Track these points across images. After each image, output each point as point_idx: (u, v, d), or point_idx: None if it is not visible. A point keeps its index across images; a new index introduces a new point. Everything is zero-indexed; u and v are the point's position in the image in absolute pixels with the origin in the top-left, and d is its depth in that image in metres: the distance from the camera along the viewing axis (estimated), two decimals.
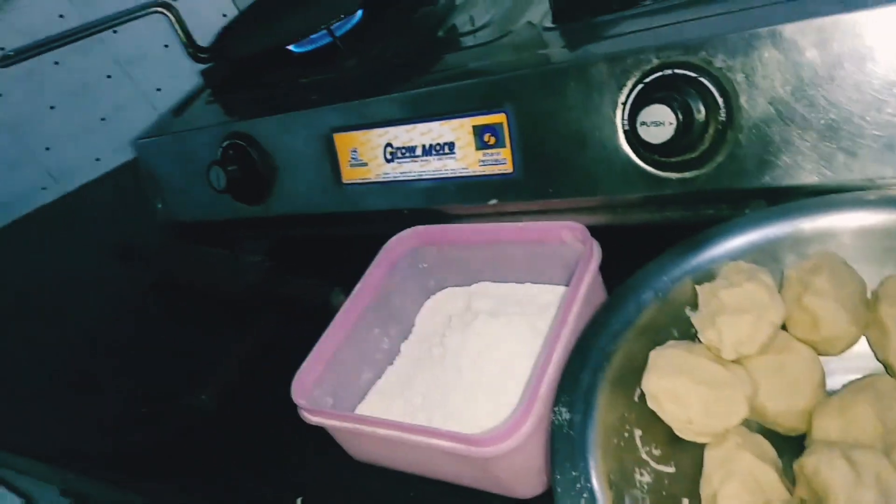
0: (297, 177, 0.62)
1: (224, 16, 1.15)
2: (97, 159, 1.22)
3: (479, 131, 0.50)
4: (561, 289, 0.50)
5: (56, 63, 1.13)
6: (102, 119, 1.19)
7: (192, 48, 0.70)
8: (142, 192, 0.74)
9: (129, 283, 0.77)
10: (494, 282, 0.54)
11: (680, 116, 0.40)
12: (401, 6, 0.67)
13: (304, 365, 0.46)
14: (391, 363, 0.53)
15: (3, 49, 0.69)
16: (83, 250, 1.01)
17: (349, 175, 0.58)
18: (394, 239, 0.54)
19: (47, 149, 1.19)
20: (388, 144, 0.55)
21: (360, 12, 0.65)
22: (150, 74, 1.17)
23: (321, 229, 0.64)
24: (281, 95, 0.65)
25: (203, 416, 0.56)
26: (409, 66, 0.58)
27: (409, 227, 0.55)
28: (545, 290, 0.51)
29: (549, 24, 0.52)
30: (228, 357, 0.59)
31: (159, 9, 0.67)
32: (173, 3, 0.69)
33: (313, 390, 0.46)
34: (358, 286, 0.51)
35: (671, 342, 0.38)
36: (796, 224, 0.39)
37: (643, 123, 0.41)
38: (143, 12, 0.67)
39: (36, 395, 0.69)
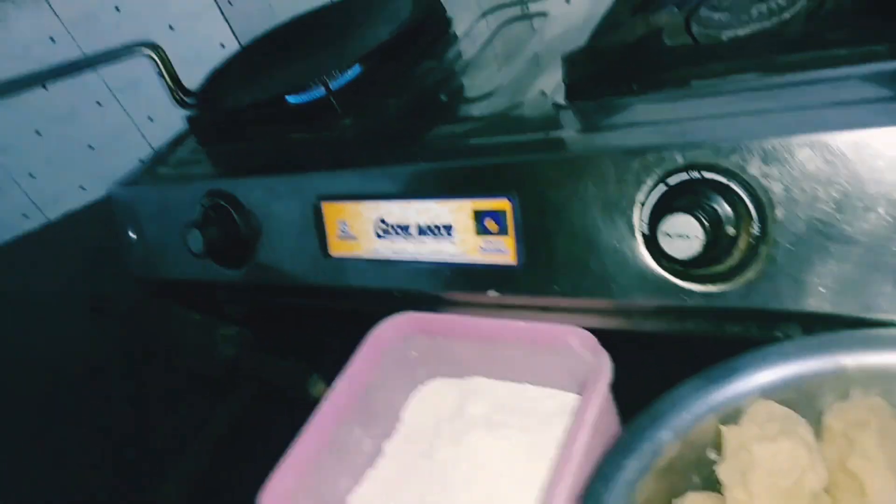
0: (281, 244, 0.57)
1: (222, 46, 1.11)
2: (82, 188, 1.17)
3: (480, 216, 0.45)
4: (563, 395, 0.45)
5: (44, 87, 1.09)
6: (90, 147, 1.14)
7: (179, 93, 0.66)
8: (114, 240, 0.69)
9: (97, 342, 0.72)
10: (490, 377, 0.49)
11: (708, 230, 0.35)
12: (402, 60, 0.62)
13: (276, 474, 0.41)
14: (372, 466, 0.48)
15: None
16: (57, 290, 0.97)
17: (337, 248, 0.53)
18: (382, 325, 0.49)
19: (31, 175, 1.15)
20: (381, 220, 0.50)
21: (357, 66, 0.60)
22: (142, 103, 1.12)
23: (304, 301, 0.59)
24: (269, 152, 0.61)
25: None
26: (408, 133, 0.53)
27: (400, 309, 0.50)
28: (546, 394, 0.46)
29: (561, 99, 0.48)
30: (196, 443, 0.54)
31: (146, 50, 0.62)
32: (159, 45, 0.64)
33: (285, 502, 0.41)
34: (340, 381, 0.46)
35: (692, 494, 0.33)
36: (838, 360, 0.34)
37: (666, 234, 0.36)
38: (130, 53, 0.62)
39: None
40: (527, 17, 0.65)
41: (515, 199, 0.43)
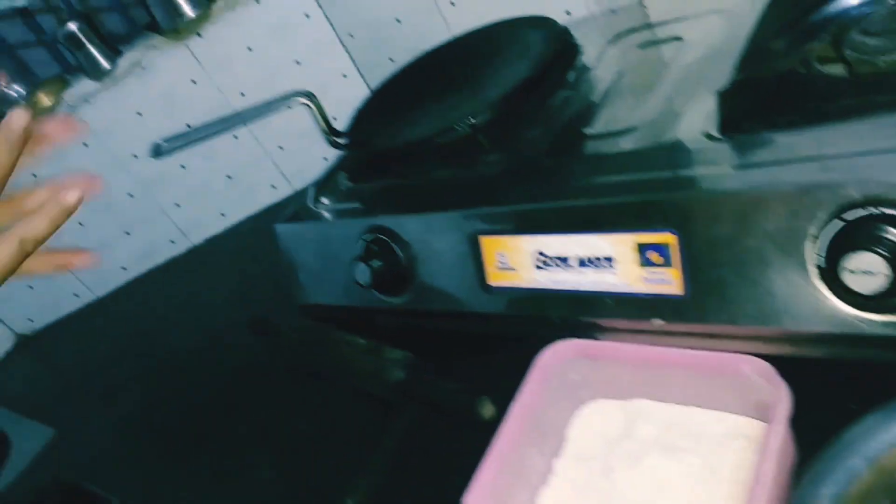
0: (440, 275, 0.61)
1: (344, 76, 1.18)
2: (222, 214, 1.27)
3: (643, 248, 0.48)
4: (732, 417, 0.47)
5: (188, 126, 1.19)
6: (228, 177, 1.24)
7: (332, 135, 0.71)
8: (281, 272, 0.76)
9: (262, 363, 0.79)
10: (653, 399, 0.52)
11: (893, 266, 0.36)
12: (539, 93, 0.66)
13: (470, 494, 0.45)
14: (544, 482, 0.51)
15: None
16: (213, 311, 1.06)
17: (495, 277, 0.57)
18: (548, 351, 0.52)
19: (177, 205, 1.25)
20: (539, 252, 0.54)
21: (500, 102, 0.64)
22: (272, 135, 1.21)
23: (463, 326, 0.63)
24: (422, 190, 0.65)
25: None
26: (560, 170, 0.56)
27: (557, 334, 0.53)
28: (715, 417, 0.48)
29: (715, 132, 0.49)
30: (372, 459, 0.59)
31: (303, 100, 0.68)
32: (314, 94, 0.70)
33: None
34: (515, 404, 0.50)
35: None
36: None
37: (848, 270, 0.37)
38: (289, 103, 0.68)
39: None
40: (657, 42, 0.66)
41: (681, 233, 0.46)
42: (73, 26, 1.06)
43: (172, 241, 1.30)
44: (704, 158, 0.48)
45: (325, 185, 0.77)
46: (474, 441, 0.55)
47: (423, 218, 0.61)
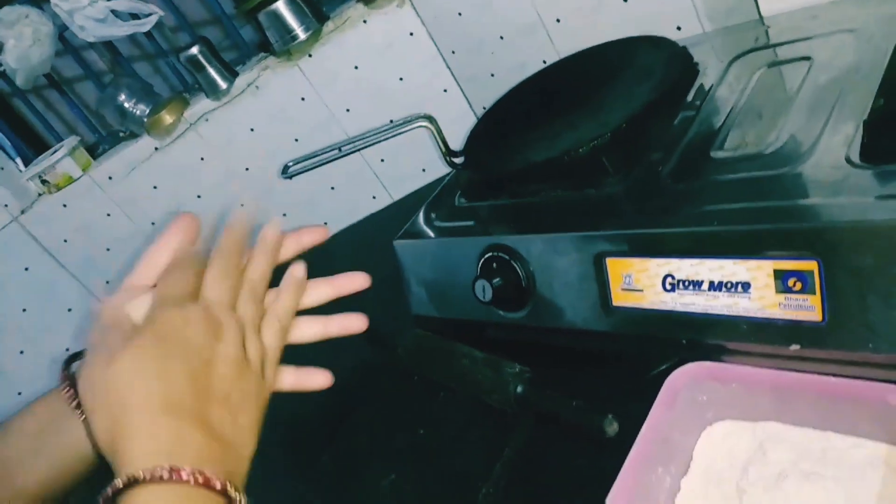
0: (560, 293, 0.63)
1: (445, 91, 1.21)
2: (325, 223, 1.32)
3: (782, 275, 0.48)
4: (871, 444, 0.47)
5: (295, 139, 1.25)
6: (332, 188, 1.29)
7: (449, 156, 0.74)
8: (395, 285, 0.79)
9: (381, 373, 0.82)
10: (784, 423, 0.52)
11: None
12: (661, 114, 0.66)
13: None
14: (673, 502, 0.52)
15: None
16: None
17: (620, 298, 0.59)
18: (677, 373, 0.53)
19: (284, 215, 1.32)
20: (669, 275, 0.55)
21: (624, 125, 0.65)
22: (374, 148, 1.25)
23: (581, 343, 0.64)
24: (541, 210, 0.67)
25: None
26: (688, 193, 0.57)
27: (685, 355, 0.54)
28: (852, 443, 0.48)
29: (856, 159, 0.49)
30: (498, 467, 0.61)
31: (423, 122, 0.71)
32: (433, 116, 0.73)
33: None
34: (646, 424, 0.51)
35: None
36: None
37: None
38: (411, 126, 0.71)
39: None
40: (784, 62, 0.66)
41: (823, 262, 0.46)
42: (194, 49, 1.13)
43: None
44: (846, 186, 0.48)
45: (438, 202, 0.80)
46: (596, 459, 0.56)
47: (545, 238, 0.63)
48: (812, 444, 0.49)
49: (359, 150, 0.73)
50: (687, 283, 0.54)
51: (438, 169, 1.27)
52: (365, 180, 1.28)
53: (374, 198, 1.30)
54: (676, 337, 0.56)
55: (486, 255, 0.67)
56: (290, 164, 0.76)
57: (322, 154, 0.75)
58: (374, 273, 1.04)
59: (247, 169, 1.26)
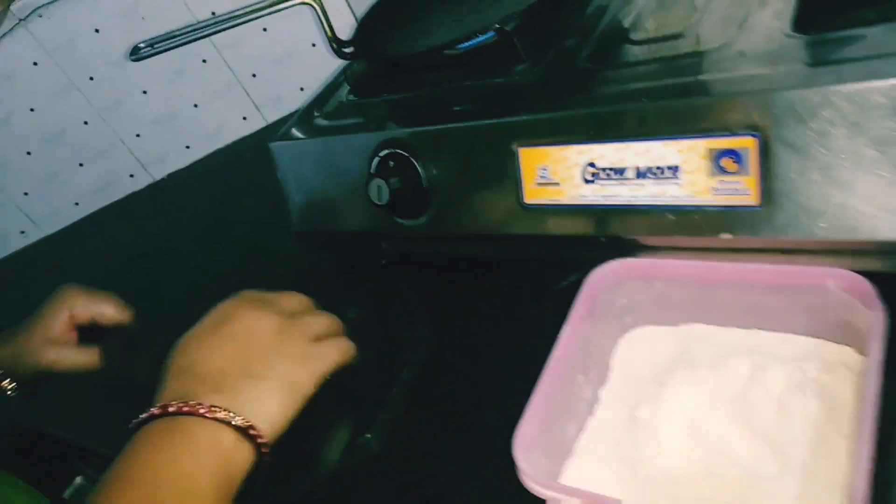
0: (466, 194, 0.56)
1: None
2: (187, 147, 1.17)
3: (716, 155, 0.43)
4: (804, 339, 0.44)
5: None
6: (195, 105, 1.14)
7: (336, 43, 0.64)
8: (279, 196, 0.68)
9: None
10: (710, 324, 0.48)
11: None
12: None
13: (524, 421, 0.41)
14: (591, 413, 0.47)
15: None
16: (182, 245, 0.98)
17: (533, 195, 0.52)
18: (597, 273, 0.48)
19: (137, 135, 1.15)
20: (590, 164, 0.49)
21: (531, 5, 0.58)
22: (245, 60, 1.11)
23: (491, 250, 0.58)
24: (442, 102, 0.59)
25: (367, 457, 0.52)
26: (609, 76, 0.51)
27: (603, 255, 0.49)
28: (782, 339, 0.45)
29: (789, 30, 0.45)
30: (394, 393, 0.54)
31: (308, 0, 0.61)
32: None
33: (530, 452, 0.41)
34: (565, 329, 0.45)
35: None
36: None
37: None
38: (290, 3, 0.60)
39: None
40: None
41: (762, 136, 0.41)
42: None
43: (131, 175, 1.20)
44: (783, 56, 0.43)
45: (323, 100, 0.70)
46: (508, 374, 0.50)
47: (448, 130, 0.55)
48: (740, 344, 0.46)
49: (225, 28, 0.61)
50: (609, 172, 0.48)
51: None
52: (234, 98, 1.14)
53: (244, 119, 1.17)
54: (596, 235, 0.50)
55: (382, 153, 0.58)
56: (142, 45, 0.63)
57: (182, 34, 0.62)
58: (241, 210, 0.94)
59: (91, 78, 1.08)
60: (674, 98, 0.45)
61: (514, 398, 0.42)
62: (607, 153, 0.48)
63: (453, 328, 0.57)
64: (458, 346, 0.56)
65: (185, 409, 0.39)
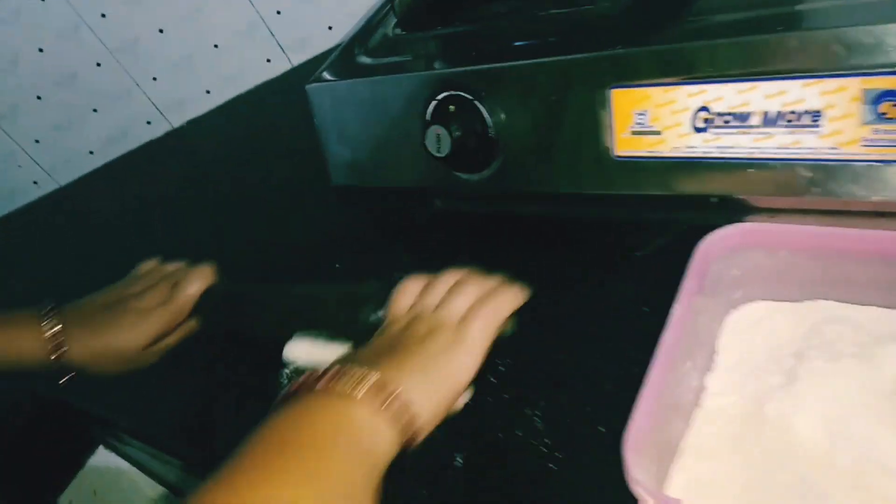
0: (541, 144, 0.48)
1: None
2: (207, 92, 1.09)
3: (872, 98, 0.35)
4: None
5: None
6: (215, 46, 1.05)
7: None
8: (315, 145, 0.61)
9: None
10: (839, 301, 0.40)
11: None
12: None
13: (634, 424, 0.34)
14: (698, 404, 0.40)
15: None
16: (199, 205, 0.91)
17: (627, 145, 0.44)
18: (711, 239, 0.40)
19: (154, 79, 1.07)
20: (703, 108, 0.40)
21: None
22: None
23: (565, 212, 0.50)
24: (515, 34, 0.50)
25: None
26: (732, 2, 0.42)
27: (704, 218, 0.41)
28: None
29: None
30: None
31: None
32: None
33: (642, 455, 0.34)
34: (676, 309, 0.38)
35: None
36: None
37: None
38: None
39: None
40: None
41: None
42: None
43: (148, 122, 1.12)
44: None
45: (366, 36, 0.61)
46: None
47: (520, 69, 0.47)
48: (884, 328, 0.38)
49: None
50: (728, 118, 0.40)
51: (347, 29, 1.06)
52: (256, 38, 1.05)
53: (268, 61, 1.08)
54: (704, 194, 0.42)
55: (440, 97, 0.50)
56: None
57: None
58: (268, 161, 0.86)
59: (103, 15, 0.99)
60: (818, 26, 0.36)
61: (596, 379, 0.35)
62: (727, 95, 0.39)
63: None
64: (527, 321, 0.49)
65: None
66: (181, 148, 1.10)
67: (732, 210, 0.42)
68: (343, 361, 0.36)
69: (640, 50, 0.41)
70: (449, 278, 0.41)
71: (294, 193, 0.77)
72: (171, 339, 0.55)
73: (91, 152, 1.10)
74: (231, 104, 1.10)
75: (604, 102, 0.44)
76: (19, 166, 1.09)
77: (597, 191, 0.46)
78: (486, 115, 0.48)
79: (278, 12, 1.03)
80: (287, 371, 0.53)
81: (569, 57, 0.44)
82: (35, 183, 1.12)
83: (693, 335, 0.40)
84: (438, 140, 0.49)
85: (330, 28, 1.05)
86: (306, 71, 1.08)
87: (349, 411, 0.33)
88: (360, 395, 0.33)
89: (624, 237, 0.50)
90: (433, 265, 0.55)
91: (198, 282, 0.54)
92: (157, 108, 1.10)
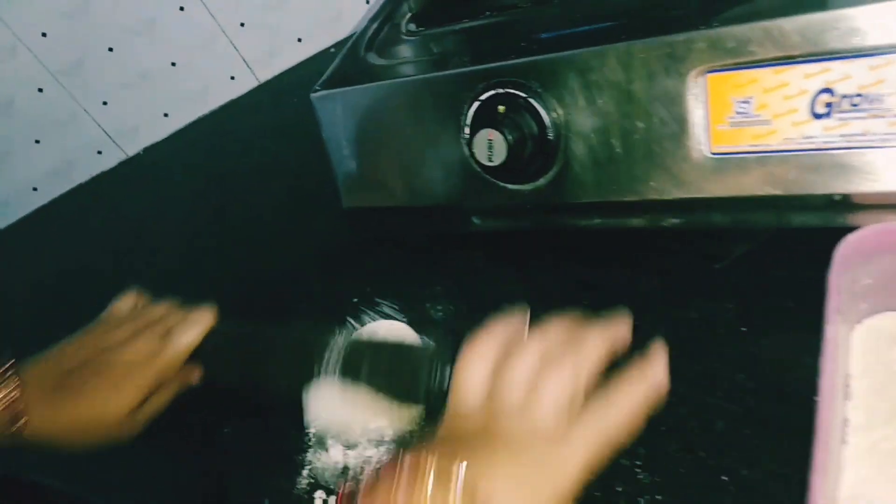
0: (611, 145, 0.41)
1: None
2: (165, 115, 0.99)
3: None
4: None
5: None
6: (172, 64, 0.95)
7: None
8: (326, 162, 0.52)
9: None
10: None
11: None
12: None
13: (816, 486, 0.27)
14: (844, 441, 0.34)
15: None
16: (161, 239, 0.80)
17: (725, 139, 0.37)
18: (848, 244, 0.33)
19: (104, 103, 0.96)
20: (825, 90, 0.34)
21: None
22: (230, 6, 0.93)
23: (642, 221, 0.43)
24: (564, 18, 0.43)
25: None
26: None
27: (831, 222, 0.35)
28: None
29: None
30: None
31: None
32: None
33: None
34: (828, 334, 0.31)
35: None
36: None
37: None
38: None
39: None
40: None
41: None
42: None
43: (99, 152, 1.00)
44: None
45: (372, 36, 0.54)
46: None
47: (584, 57, 0.40)
48: None
49: None
50: (857, 100, 0.33)
51: (319, 40, 0.98)
52: (218, 54, 0.95)
53: (232, 79, 0.98)
54: (824, 190, 0.36)
55: (485, 96, 0.42)
56: None
57: None
58: (240, 188, 0.76)
59: (44, 34, 0.88)
60: None
61: (705, 418, 0.28)
62: (856, 73, 0.33)
63: None
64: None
65: None
66: (137, 178, 0.99)
67: (856, 209, 0.36)
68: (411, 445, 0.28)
69: (744, 26, 0.35)
70: (538, 343, 0.33)
71: (276, 223, 0.68)
72: (162, 400, 0.45)
73: (35, 189, 0.98)
74: (192, 127, 1.00)
75: (696, 90, 0.37)
76: None
77: (684, 195, 0.40)
78: (543, 114, 0.41)
79: (242, 24, 0.94)
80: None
81: (652, 39, 0.37)
82: None
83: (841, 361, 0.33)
84: (490, 147, 0.41)
85: (300, 40, 0.97)
86: (274, 87, 1.00)
87: None
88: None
89: (705, 246, 0.44)
90: (478, 295, 0.48)
91: (195, 327, 0.44)
92: (109, 135, 0.99)
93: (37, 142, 0.95)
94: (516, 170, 0.43)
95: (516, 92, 0.41)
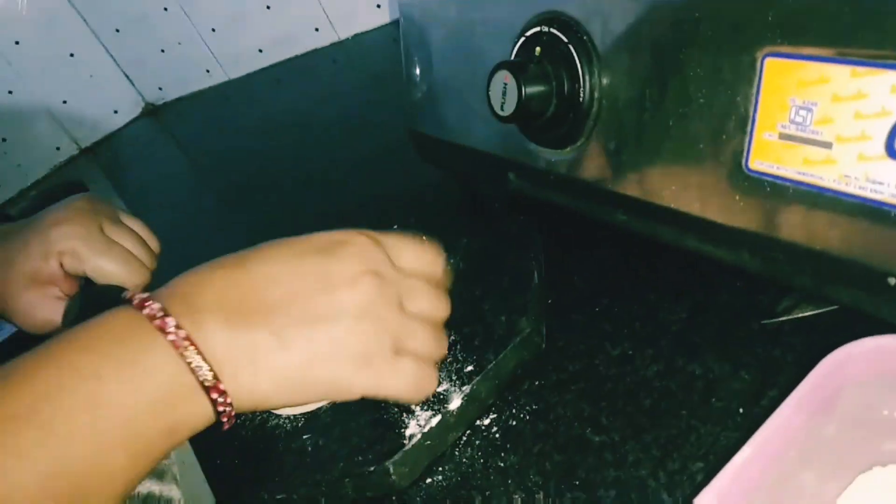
0: (641, 127, 0.34)
1: None
2: (260, 51, 1.01)
3: None
4: None
5: None
6: (267, 7, 0.99)
7: None
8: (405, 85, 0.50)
9: None
10: None
11: None
12: None
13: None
14: None
15: None
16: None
17: (767, 154, 0.30)
18: (846, 352, 0.25)
19: (213, 30, 1.00)
20: None
21: None
22: None
23: (652, 236, 0.36)
24: None
25: None
26: None
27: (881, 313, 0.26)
28: None
29: None
30: None
31: None
32: None
33: None
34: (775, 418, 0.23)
35: None
36: None
37: None
38: None
39: None
40: None
41: None
42: None
43: (208, 71, 1.06)
44: None
45: None
46: None
47: (647, 5, 0.33)
48: None
49: None
50: None
51: (396, 10, 0.96)
52: (306, 6, 0.97)
53: (316, 30, 0.99)
54: (881, 266, 0.27)
55: (531, 32, 0.37)
56: None
57: None
58: (324, 117, 0.78)
59: None
60: None
61: None
62: None
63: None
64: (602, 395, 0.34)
65: (164, 324, 0.25)
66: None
67: None
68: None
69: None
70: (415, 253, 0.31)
71: (355, 143, 0.72)
72: None
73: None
74: (283, 65, 1.03)
75: (747, 75, 0.30)
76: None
77: (707, 215, 0.32)
78: (582, 68, 0.35)
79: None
80: None
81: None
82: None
83: (816, 448, 0.24)
84: (504, 92, 0.35)
85: (378, 6, 0.96)
86: (350, 45, 0.98)
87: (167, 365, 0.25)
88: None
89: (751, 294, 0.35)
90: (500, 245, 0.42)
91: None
92: (215, 58, 1.01)
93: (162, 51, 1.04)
94: (536, 127, 0.37)
95: (560, 35, 0.35)
